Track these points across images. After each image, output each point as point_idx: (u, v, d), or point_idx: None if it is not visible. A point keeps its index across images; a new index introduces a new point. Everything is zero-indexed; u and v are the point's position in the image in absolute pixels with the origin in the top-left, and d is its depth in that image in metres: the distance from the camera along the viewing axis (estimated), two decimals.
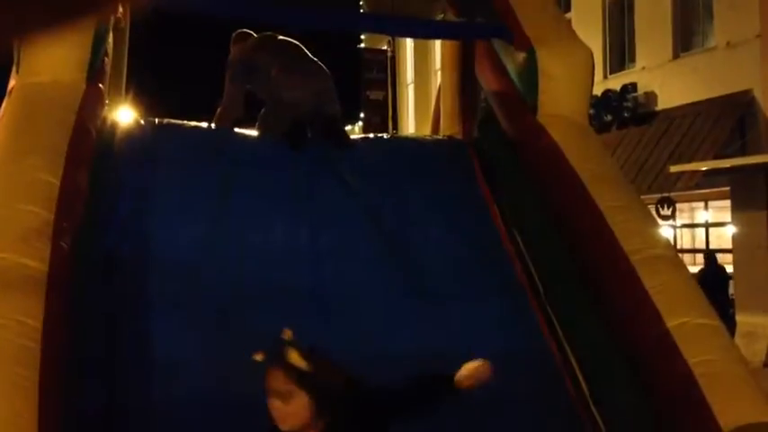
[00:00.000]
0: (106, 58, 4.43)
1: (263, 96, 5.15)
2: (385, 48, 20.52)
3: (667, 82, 14.02)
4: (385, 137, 5.97)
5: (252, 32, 5.37)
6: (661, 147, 13.57)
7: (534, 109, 4.58)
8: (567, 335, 4.11)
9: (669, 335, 3.52)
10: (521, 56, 4.66)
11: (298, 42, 5.25)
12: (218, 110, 5.22)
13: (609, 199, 4.08)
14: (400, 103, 21.48)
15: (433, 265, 4.39)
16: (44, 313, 2.93)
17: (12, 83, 4.03)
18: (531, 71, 4.58)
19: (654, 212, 13.03)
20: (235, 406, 3.57)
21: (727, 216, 13.42)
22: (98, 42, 4.10)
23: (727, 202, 13.20)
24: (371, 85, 19.96)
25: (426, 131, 6.69)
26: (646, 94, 14.49)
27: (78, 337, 3.21)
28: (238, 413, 3.56)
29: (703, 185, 12.64)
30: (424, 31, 6.87)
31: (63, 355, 2.98)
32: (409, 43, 20.92)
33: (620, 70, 15.37)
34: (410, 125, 21.33)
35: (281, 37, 5.27)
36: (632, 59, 15.11)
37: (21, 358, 2.76)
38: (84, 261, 3.48)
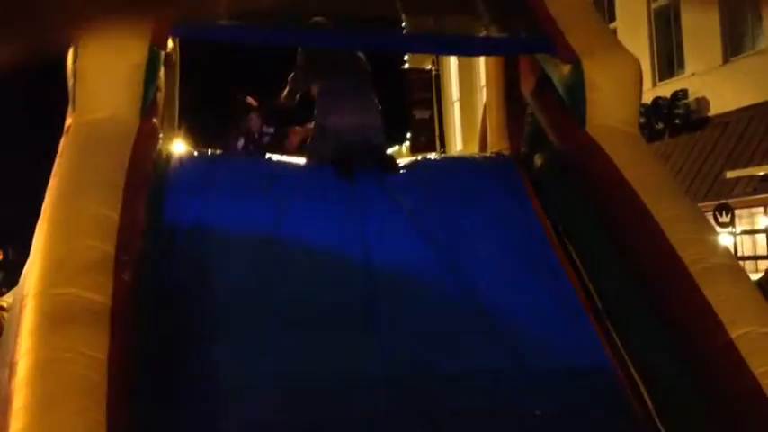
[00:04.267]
0: (159, 93, 4.54)
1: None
2: (429, 67, 20.57)
3: (719, 87, 13.78)
4: (432, 157, 5.99)
5: (320, 20, 5.47)
6: (716, 153, 13.33)
7: (582, 121, 4.54)
8: (627, 350, 4.05)
9: (733, 345, 3.44)
10: (566, 68, 4.63)
11: (361, 59, 5.31)
12: (282, 94, 5.49)
13: (665, 209, 4.01)
14: (446, 122, 21.49)
15: (486, 281, 4.38)
16: (108, 346, 3.00)
17: (68, 121, 4.16)
18: (577, 83, 4.54)
19: (712, 220, 12.77)
20: (300, 427, 3.60)
21: None
22: (150, 78, 4.21)
23: None
24: (417, 105, 20.01)
25: (474, 149, 6.68)
26: (697, 100, 14.27)
27: (142, 367, 3.27)
28: None
29: (761, 190, 12.37)
30: (467, 49, 6.88)
31: (128, 387, 3.04)
32: (453, 61, 20.95)
33: (669, 77, 15.17)
34: (457, 143, 21.32)
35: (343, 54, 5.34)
36: (681, 66, 14.91)
37: (87, 391, 2.81)
38: (145, 292, 3.55)
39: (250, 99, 5.63)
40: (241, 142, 5.49)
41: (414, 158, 5.99)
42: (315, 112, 5.25)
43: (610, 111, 4.50)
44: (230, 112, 5.57)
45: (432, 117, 20.37)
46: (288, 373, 3.77)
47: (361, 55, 5.40)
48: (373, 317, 4.12)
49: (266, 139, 5.57)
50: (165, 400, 3.54)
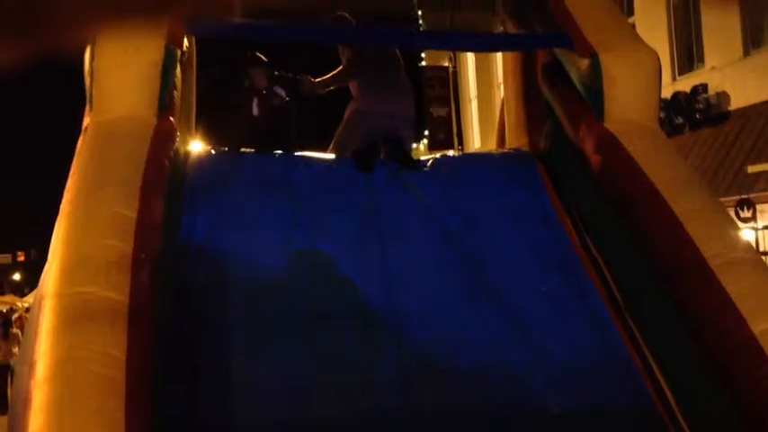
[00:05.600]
0: (175, 92, 4.55)
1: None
2: (446, 64, 20.53)
3: (739, 80, 13.63)
4: (451, 154, 5.97)
5: (347, 15, 5.47)
6: (737, 147, 13.18)
7: (601, 116, 4.50)
8: (647, 343, 4.01)
9: (755, 340, 3.40)
10: (584, 63, 4.60)
11: (397, 54, 5.36)
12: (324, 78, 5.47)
13: (685, 203, 3.97)
14: (464, 119, 21.43)
15: (506, 277, 4.35)
16: (127, 344, 3.01)
17: (86, 120, 4.17)
18: (595, 78, 4.50)
19: (733, 215, 12.63)
20: (316, 425, 3.59)
21: None
22: (166, 77, 4.21)
23: None
24: (434, 102, 19.97)
25: (492, 146, 6.65)
26: (717, 94, 14.11)
27: (160, 364, 3.28)
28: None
29: None
30: (484, 45, 6.85)
31: (147, 384, 3.05)
32: (470, 58, 20.87)
33: (689, 71, 15.01)
34: (475, 140, 21.23)
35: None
36: (701, 60, 14.76)
37: (107, 389, 2.83)
38: (162, 290, 3.56)
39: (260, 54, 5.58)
40: (255, 107, 5.44)
41: (432, 156, 5.97)
42: (351, 100, 5.28)
43: (629, 105, 4.45)
44: (241, 68, 5.51)
45: (449, 114, 20.33)
46: (304, 371, 3.77)
47: (396, 51, 5.42)
48: (390, 315, 4.11)
49: (276, 100, 5.53)
50: (182, 397, 3.55)
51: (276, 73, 5.51)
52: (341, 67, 5.48)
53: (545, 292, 4.30)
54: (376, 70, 5.23)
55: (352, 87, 5.38)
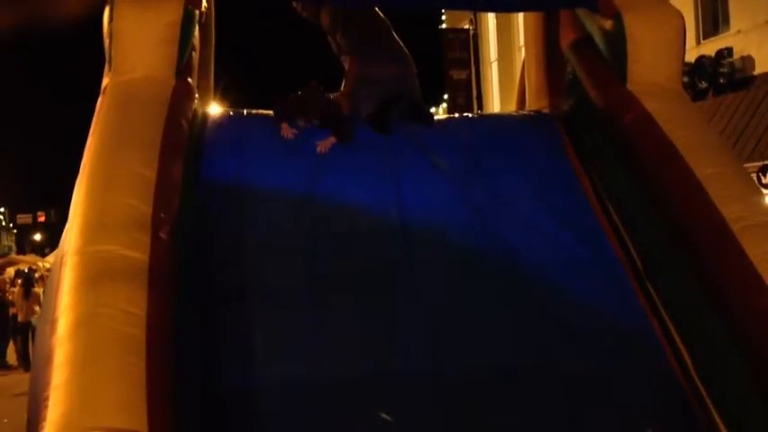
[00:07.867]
0: (193, 53, 4.53)
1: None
2: (467, 26, 20.33)
3: (765, 45, 13.40)
4: (470, 115, 5.90)
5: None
6: (761, 112, 13.01)
7: (624, 78, 4.44)
8: (668, 310, 4.00)
9: None
10: (607, 23, 4.53)
11: (379, 12, 5.28)
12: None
13: (706, 166, 3.92)
14: (484, 82, 21.25)
15: (524, 240, 4.33)
16: (147, 302, 3.03)
17: (105, 81, 4.18)
18: (618, 39, 4.44)
19: (755, 181, 12.49)
20: (335, 387, 3.62)
21: None
22: (185, 38, 4.20)
23: None
24: (454, 65, 19.81)
25: (512, 109, 6.58)
26: (742, 58, 13.90)
27: (179, 323, 3.31)
28: (339, 394, 3.61)
29: None
30: (508, 5, 6.76)
31: (167, 342, 3.08)
32: (491, 20, 20.65)
33: (713, 35, 14.78)
34: (495, 103, 21.08)
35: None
36: (726, 23, 14.51)
37: (128, 346, 2.86)
38: (181, 250, 3.58)
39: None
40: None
41: (450, 116, 5.91)
42: (348, 68, 5.16)
43: (652, 66, 4.39)
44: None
45: (469, 78, 20.17)
46: (325, 333, 3.79)
47: (379, 12, 5.33)
48: (411, 278, 4.11)
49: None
50: (201, 355, 3.59)
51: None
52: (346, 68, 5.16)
53: (565, 257, 4.28)
54: (369, 37, 5.14)
55: (348, 61, 5.22)
